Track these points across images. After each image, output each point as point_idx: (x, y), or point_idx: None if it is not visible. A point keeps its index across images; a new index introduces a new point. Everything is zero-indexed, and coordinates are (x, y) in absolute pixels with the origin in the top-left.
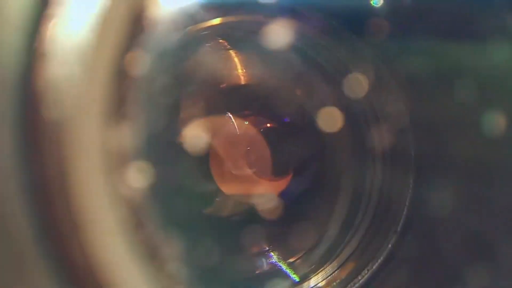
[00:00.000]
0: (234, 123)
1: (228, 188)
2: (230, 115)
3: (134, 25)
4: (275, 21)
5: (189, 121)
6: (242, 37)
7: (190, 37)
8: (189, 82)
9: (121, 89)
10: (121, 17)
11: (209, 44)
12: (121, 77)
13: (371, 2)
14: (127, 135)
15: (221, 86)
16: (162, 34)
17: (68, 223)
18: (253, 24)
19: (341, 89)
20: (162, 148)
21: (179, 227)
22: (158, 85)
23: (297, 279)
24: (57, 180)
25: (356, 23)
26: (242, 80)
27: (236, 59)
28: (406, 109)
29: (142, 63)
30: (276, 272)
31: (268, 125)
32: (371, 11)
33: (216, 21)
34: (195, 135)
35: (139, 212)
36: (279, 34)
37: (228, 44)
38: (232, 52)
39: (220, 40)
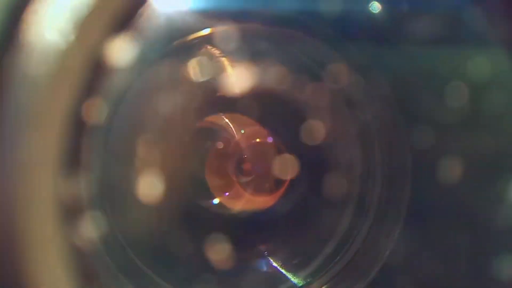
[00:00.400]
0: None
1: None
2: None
3: (93, 72)
4: (266, 29)
5: (144, 170)
6: (234, 46)
7: (180, 48)
8: (147, 130)
9: (77, 137)
10: (79, 64)
11: (200, 55)
12: (77, 125)
13: (370, 9)
14: (82, 184)
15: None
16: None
17: (18, 274)
18: (245, 33)
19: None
20: (117, 197)
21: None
22: (115, 133)
23: (299, 283)
24: (8, 228)
25: (351, 29)
26: (236, 89)
27: (228, 68)
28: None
29: (99, 110)
30: (276, 276)
31: (263, 135)
32: (369, 18)
33: (207, 31)
34: (150, 184)
35: (92, 263)
36: (270, 43)
37: (219, 53)
38: (224, 61)
39: (212, 50)
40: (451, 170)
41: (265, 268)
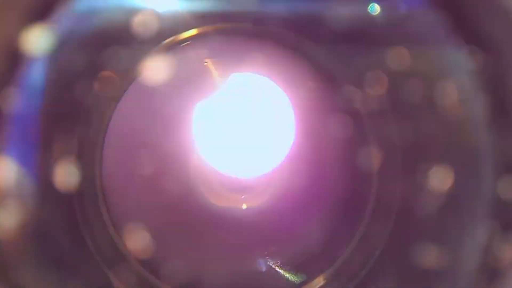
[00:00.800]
0: None
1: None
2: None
3: (10, 61)
4: (258, 29)
5: (60, 158)
6: (222, 46)
7: (169, 49)
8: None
9: None
10: None
11: (188, 55)
12: None
13: (369, 10)
14: (1, 173)
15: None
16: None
17: None
18: (234, 33)
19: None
20: (34, 186)
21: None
22: (31, 121)
23: (297, 281)
24: None
25: (345, 30)
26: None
27: (213, 69)
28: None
29: (16, 98)
30: (274, 276)
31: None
32: (367, 19)
33: (195, 31)
34: (66, 172)
35: (11, 252)
36: (261, 42)
37: (206, 54)
38: (210, 62)
39: (199, 50)
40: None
41: (264, 269)
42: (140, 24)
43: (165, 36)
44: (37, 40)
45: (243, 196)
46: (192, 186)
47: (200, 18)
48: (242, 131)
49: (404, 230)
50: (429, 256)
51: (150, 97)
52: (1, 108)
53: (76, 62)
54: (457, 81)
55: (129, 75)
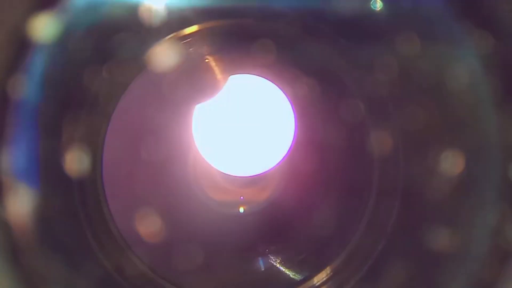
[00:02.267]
0: None
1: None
2: None
3: (17, 49)
4: (260, 25)
5: (71, 145)
6: (224, 42)
7: (171, 44)
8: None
9: (2, 112)
10: (3, 41)
11: (190, 51)
12: (2, 100)
13: (371, 6)
14: (9, 159)
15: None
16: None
17: None
18: (237, 29)
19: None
20: (45, 171)
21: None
22: (41, 109)
23: (297, 278)
24: None
25: (349, 26)
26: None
27: (215, 66)
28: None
29: (24, 86)
30: (274, 273)
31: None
32: (367, 15)
33: (197, 27)
34: (76, 158)
35: (21, 237)
36: (263, 39)
37: (209, 50)
38: (211, 59)
39: (201, 46)
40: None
41: (265, 267)
42: (143, 17)
43: (167, 31)
44: (45, 27)
45: (242, 195)
46: (191, 184)
47: (202, 14)
48: (242, 128)
49: (413, 215)
50: (438, 240)
51: (151, 93)
52: (8, 95)
53: (81, 52)
54: (466, 65)
55: (131, 69)
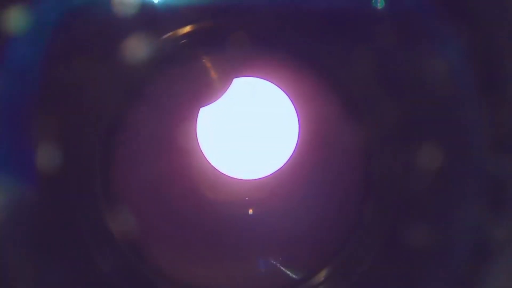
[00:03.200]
0: None
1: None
2: None
3: None
4: (254, 25)
5: (43, 140)
6: (218, 43)
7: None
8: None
9: None
10: None
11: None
12: None
13: (372, 4)
14: None
15: None
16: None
17: None
18: (231, 29)
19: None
20: (19, 167)
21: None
22: (15, 101)
23: (296, 278)
24: None
25: (346, 25)
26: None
27: (214, 68)
28: None
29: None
30: (274, 274)
31: None
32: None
33: (190, 27)
34: (49, 155)
35: None
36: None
37: (203, 51)
38: (207, 58)
39: (195, 47)
40: None
41: (266, 267)
42: (137, 17)
43: (163, 32)
44: (16, 21)
45: (246, 197)
46: (195, 185)
47: (199, 13)
48: (246, 131)
49: (394, 210)
50: (420, 235)
51: (152, 96)
52: None
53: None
54: (447, 58)
55: (126, 71)
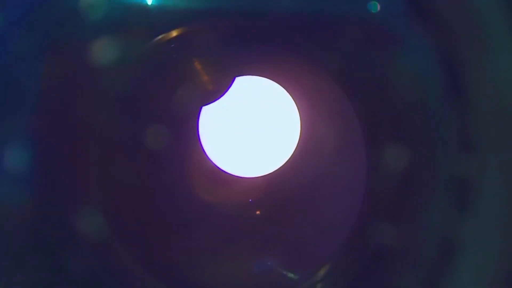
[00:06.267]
0: None
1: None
2: None
3: None
4: (254, 25)
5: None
6: (206, 45)
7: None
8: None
9: None
10: None
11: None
12: None
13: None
14: None
15: None
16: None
17: None
18: (229, 31)
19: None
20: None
21: None
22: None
23: (296, 278)
24: None
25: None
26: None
27: (200, 68)
28: None
29: None
30: (274, 274)
31: None
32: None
33: (179, 30)
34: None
35: None
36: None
37: (192, 53)
38: (196, 60)
39: (191, 48)
40: None
41: (265, 267)
42: (131, 19)
43: (156, 33)
44: None
45: (248, 197)
46: (196, 185)
47: (192, 15)
48: (247, 130)
49: (363, 210)
50: (386, 236)
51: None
52: None
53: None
54: (412, 59)
55: (121, 73)
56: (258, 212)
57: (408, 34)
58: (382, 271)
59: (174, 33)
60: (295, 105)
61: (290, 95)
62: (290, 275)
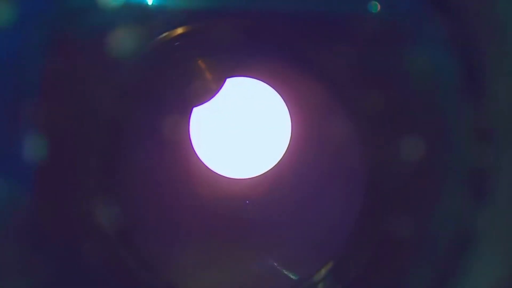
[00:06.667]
0: None
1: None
2: None
3: None
4: (246, 26)
5: (36, 134)
6: (211, 44)
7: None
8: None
9: None
10: None
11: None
12: None
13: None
14: None
15: None
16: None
17: None
18: (229, 31)
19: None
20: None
21: None
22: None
23: (296, 278)
24: None
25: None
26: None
27: (208, 69)
28: None
29: None
30: (274, 274)
31: None
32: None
33: (184, 28)
34: (36, 144)
35: None
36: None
37: (197, 52)
38: (203, 61)
39: (193, 48)
40: None
41: (265, 267)
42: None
43: (156, 33)
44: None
45: (243, 197)
46: (189, 186)
47: (193, 14)
48: (238, 130)
49: (376, 202)
50: (402, 226)
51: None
52: None
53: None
54: (429, 50)
55: (118, 71)
56: (250, 212)
57: (424, 26)
58: (386, 270)
59: (167, 34)
60: (285, 106)
61: (279, 94)
62: (287, 275)
